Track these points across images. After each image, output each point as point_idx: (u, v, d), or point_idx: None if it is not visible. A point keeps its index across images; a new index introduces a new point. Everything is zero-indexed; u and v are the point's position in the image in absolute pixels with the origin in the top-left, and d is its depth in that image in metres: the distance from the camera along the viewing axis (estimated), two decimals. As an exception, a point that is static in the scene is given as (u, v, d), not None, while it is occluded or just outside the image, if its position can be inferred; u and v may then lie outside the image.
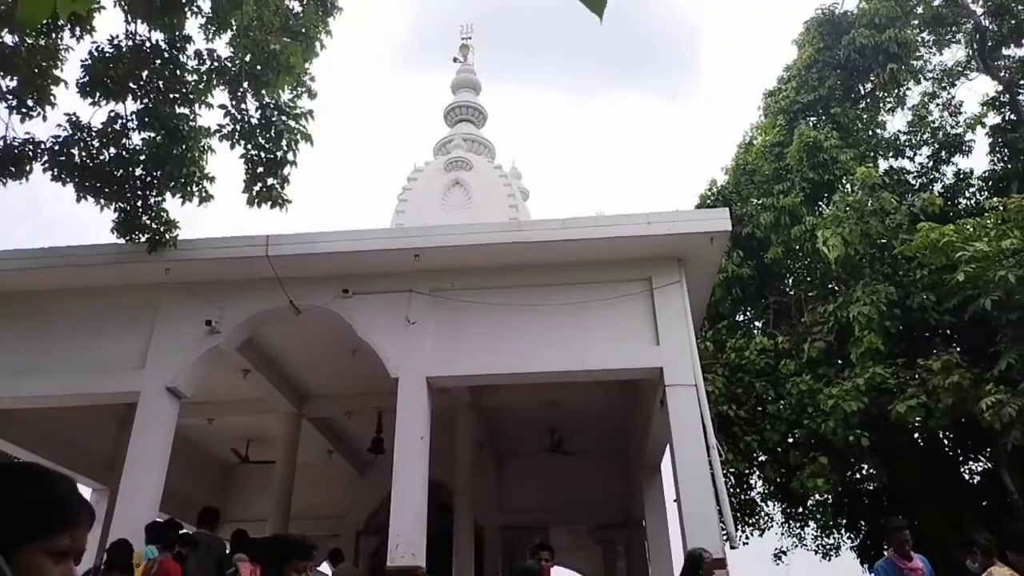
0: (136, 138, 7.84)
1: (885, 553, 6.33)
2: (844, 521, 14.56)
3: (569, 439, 12.85)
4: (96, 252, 8.49)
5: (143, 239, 8.06)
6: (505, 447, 13.89)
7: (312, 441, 12.32)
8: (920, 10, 15.49)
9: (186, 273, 8.53)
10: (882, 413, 10.21)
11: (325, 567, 13.32)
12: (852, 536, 15.06)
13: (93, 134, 7.68)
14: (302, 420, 11.66)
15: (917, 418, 9.76)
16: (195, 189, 8.02)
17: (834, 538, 15.84)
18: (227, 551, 7.58)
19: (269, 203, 8.21)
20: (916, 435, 11.85)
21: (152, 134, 7.80)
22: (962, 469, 13.01)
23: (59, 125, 7.59)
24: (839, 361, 11.73)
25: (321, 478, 13.37)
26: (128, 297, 8.67)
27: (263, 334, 9.50)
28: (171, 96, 7.70)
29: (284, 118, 8.02)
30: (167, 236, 8.12)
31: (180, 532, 7.01)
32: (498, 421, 12.69)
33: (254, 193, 8.17)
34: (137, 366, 8.26)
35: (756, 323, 15.18)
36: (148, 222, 8.02)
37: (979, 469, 13.12)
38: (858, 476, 13.57)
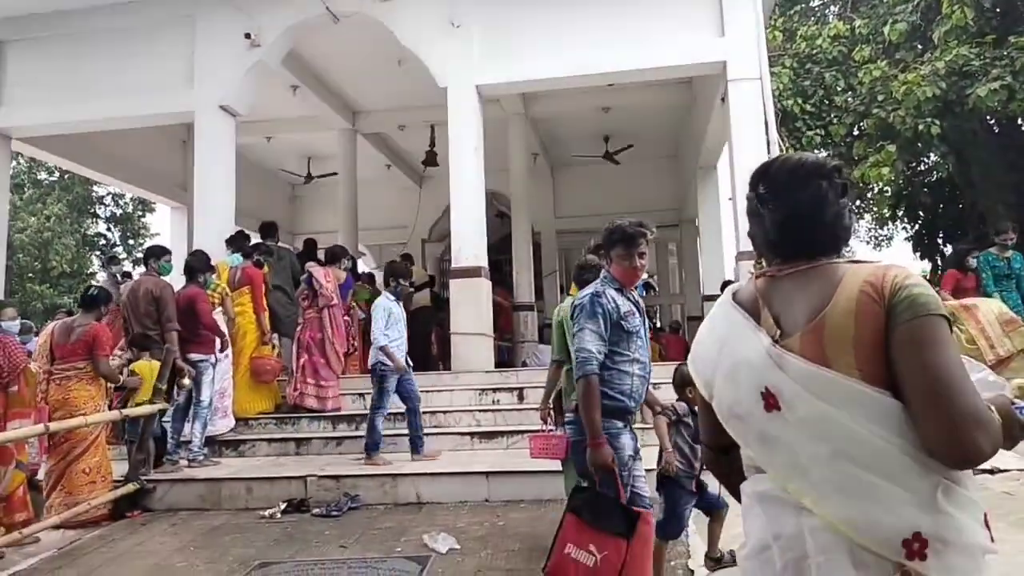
0: None
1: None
2: (902, 212, 14.58)
3: (623, 145, 12.70)
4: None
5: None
6: (559, 156, 13.89)
7: (369, 157, 12.52)
8: None
9: (213, -17, 8.04)
10: (959, 99, 9.60)
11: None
12: (908, 226, 15.19)
13: None
14: (357, 136, 11.75)
15: (998, 101, 9.12)
16: None
17: (888, 229, 16.02)
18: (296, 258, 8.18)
19: None
20: (992, 122, 11.24)
21: None
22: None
23: None
24: (919, 45, 10.79)
25: (382, 192, 13.84)
26: (165, 11, 8.32)
27: (306, 47, 9.16)
28: None
29: None
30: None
31: (255, 243, 7.47)
32: (552, 130, 12.52)
33: None
34: (187, 84, 8.20)
35: (832, 7, 13.81)
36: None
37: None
38: (922, 167, 13.25)
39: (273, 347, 7.17)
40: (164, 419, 5.95)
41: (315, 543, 4.41)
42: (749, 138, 7.52)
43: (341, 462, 5.92)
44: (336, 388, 7.08)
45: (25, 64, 8.55)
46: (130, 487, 5.35)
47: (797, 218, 1.25)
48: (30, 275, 21.08)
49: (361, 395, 7.23)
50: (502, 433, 6.22)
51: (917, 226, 14.66)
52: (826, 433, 1.12)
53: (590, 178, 13.81)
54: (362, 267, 14.56)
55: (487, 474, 5.22)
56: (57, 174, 22.01)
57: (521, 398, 6.87)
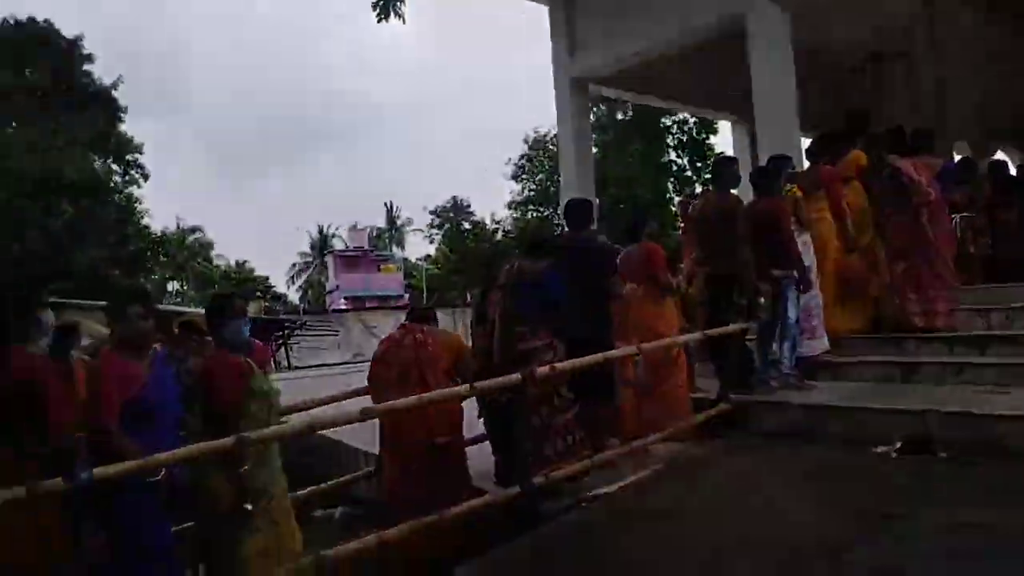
0: None
1: None
2: None
3: None
4: None
5: None
6: None
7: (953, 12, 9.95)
8: None
9: None
10: None
11: None
12: None
13: None
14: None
15: None
16: None
17: None
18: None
19: None
20: None
21: None
22: None
23: None
24: None
25: (970, 64, 10.84)
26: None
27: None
28: None
29: None
30: None
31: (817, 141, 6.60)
32: None
33: None
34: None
35: None
36: None
37: None
38: None
39: (862, 255, 6.21)
40: (748, 337, 5.72)
41: (947, 500, 3.49)
42: None
43: (967, 395, 4.73)
44: (946, 303, 5.76)
45: (589, 7, 9.25)
46: (722, 406, 5.28)
47: None
48: (620, 205, 24.15)
49: (982, 311, 5.75)
50: None
51: None
52: None
53: None
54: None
55: None
56: (631, 113, 24.50)
57: None
